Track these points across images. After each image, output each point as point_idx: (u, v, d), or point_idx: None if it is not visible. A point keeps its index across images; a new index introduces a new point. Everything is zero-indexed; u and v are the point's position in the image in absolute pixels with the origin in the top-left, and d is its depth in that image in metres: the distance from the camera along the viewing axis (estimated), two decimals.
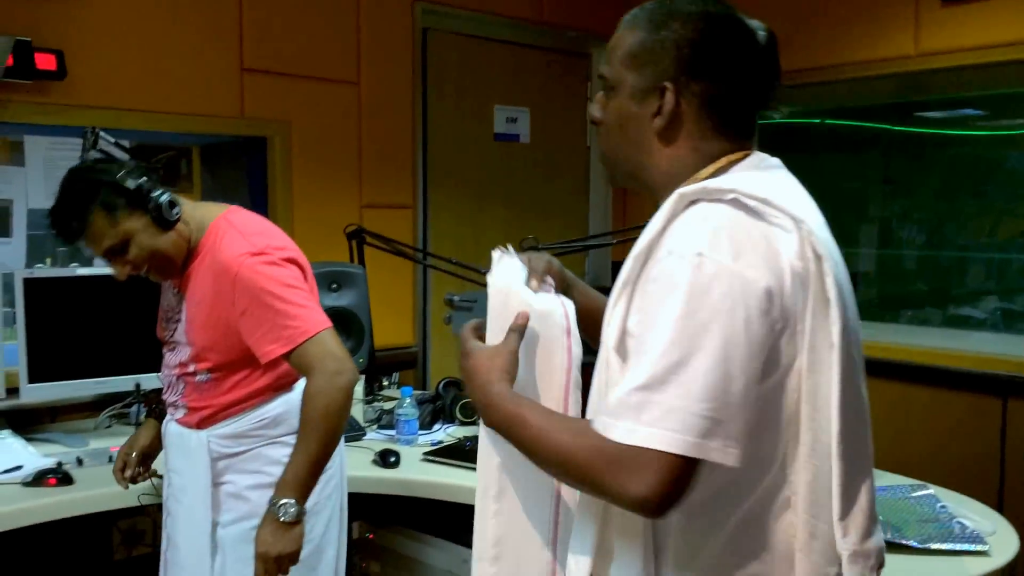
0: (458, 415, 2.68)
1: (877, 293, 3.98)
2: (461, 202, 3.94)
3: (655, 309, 0.99)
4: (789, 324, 1.01)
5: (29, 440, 2.41)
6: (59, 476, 2.13)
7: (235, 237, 1.78)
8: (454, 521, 2.18)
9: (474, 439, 2.50)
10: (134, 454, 2.00)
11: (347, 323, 2.68)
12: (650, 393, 0.96)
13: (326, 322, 1.74)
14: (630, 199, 4.34)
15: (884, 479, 2.04)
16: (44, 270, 2.63)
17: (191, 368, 1.84)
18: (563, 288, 1.27)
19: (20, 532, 2.01)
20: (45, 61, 2.53)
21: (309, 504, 1.73)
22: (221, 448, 1.85)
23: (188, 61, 2.87)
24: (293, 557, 1.69)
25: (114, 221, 1.75)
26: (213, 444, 1.84)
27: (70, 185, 1.78)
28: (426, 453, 2.33)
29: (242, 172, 3.29)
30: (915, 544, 1.74)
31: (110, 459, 2.29)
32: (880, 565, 1.09)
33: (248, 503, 1.83)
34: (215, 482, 1.85)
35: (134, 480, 2.01)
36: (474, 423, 2.66)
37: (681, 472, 0.95)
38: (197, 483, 1.85)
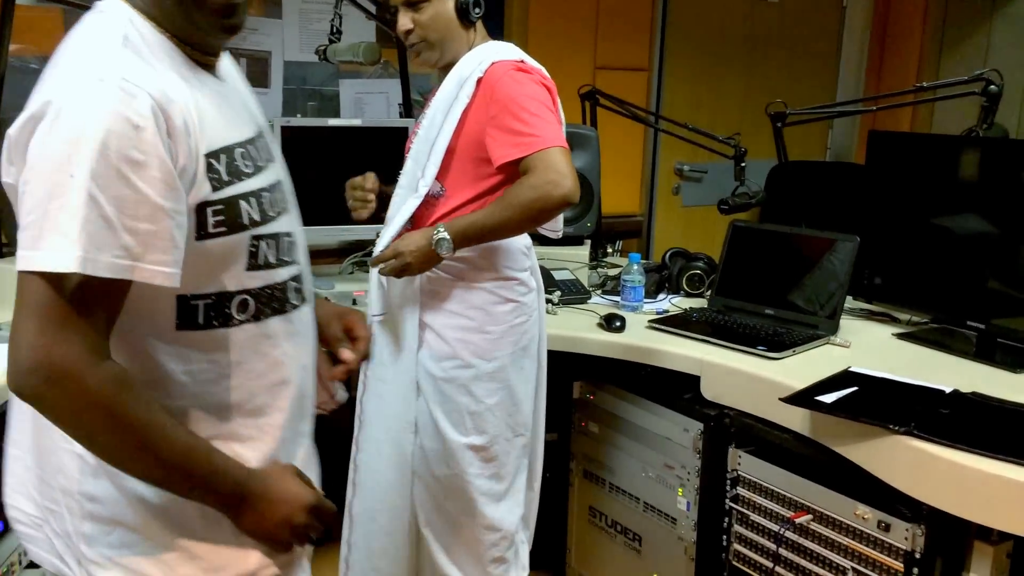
0: (684, 286, 2.62)
1: None
2: (699, 65, 3.75)
3: None
4: None
5: None
6: None
7: (506, 52, 1.87)
8: (675, 389, 2.16)
9: (700, 311, 2.46)
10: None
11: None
12: None
13: (562, 141, 1.77)
14: (887, 63, 3.93)
15: None
16: (300, 120, 2.79)
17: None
18: None
19: None
20: None
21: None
22: (429, 284, 1.89)
23: None
24: (410, 268, 1.80)
25: None
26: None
27: None
28: (651, 320, 2.31)
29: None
30: None
31: (354, 302, 2.46)
32: None
33: (447, 345, 1.89)
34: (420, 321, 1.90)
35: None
36: (700, 295, 2.59)
37: None
38: (405, 319, 1.90)
